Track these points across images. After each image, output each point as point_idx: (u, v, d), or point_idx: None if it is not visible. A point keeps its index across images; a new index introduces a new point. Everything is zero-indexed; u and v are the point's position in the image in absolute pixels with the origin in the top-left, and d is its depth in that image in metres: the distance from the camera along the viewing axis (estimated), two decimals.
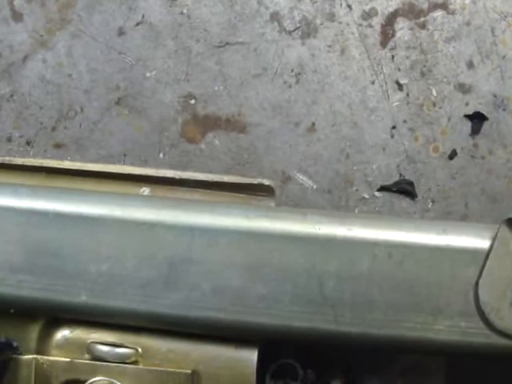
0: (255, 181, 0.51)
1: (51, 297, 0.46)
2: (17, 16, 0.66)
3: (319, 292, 0.45)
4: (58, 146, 0.65)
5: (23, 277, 0.46)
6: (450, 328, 0.44)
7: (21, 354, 0.47)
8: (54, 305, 0.47)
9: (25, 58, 0.65)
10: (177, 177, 0.51)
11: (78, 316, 0.48)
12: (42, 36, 0.65)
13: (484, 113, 0.64)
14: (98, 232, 0.46)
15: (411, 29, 0.64)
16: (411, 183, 0.64)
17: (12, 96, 0.65)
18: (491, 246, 0.44)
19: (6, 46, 0.65)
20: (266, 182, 0.51)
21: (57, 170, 0.52)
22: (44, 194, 0.48)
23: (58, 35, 0.65)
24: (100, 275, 0.46)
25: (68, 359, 0.47)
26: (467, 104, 0.64)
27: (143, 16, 0.65)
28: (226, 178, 0.51)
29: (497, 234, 0.45)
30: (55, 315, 0.48)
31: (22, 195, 0.48)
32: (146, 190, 0.52)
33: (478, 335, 0.44)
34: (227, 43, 0.65)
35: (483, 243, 0.45)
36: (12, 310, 0.47)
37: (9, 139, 0.65)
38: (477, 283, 0.44)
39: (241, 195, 0.51)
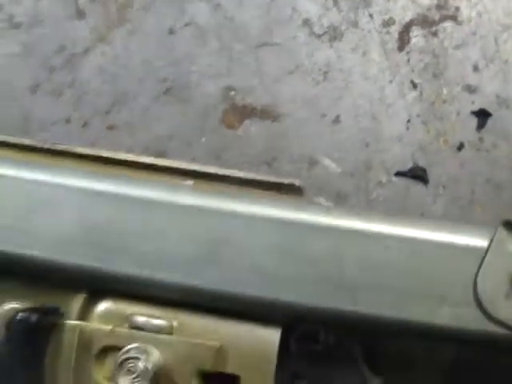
0: (286, 180, 0.54)
1: (99, 267, 0.50)
2: (80, 14, 0.75)
3: (339, 276, 0.50)
4: (111, 127, 0.73)
5: (76, 248, 0.50)
6: (452, 315, 0.49)
7: (65, 320, 0.50)
8: (101, 275, 0.50)
9: (86, 51, 0.74)
10: (219, 173, 0.55)
11: (123, 287, 0.51)
12: (101, 32, 0.74)
13: (488, 110, 0.72)
14: (148, 213, 0.51)
15: (425, 36, 0.74)
16: (424, 170, 0.71)
17: (73, 83, 0.74)
18: (489, 245, 0.49)
19: (70, 40, 0.74)
20: (297, 182, 0.54)
21: (112, 160, 0.55)
22: (101, 177, 0.53)
23: (116, 32, 0.74)
24: (146, 251, 0.50)
25: (109, 327, 0.49)
26: (473, 102, 0.72)
27: (191, 18, 0.75)
28: (261, 177, 0.55)
29: (495, 234, 0.50)
30: (102, 286, 0.51)
31: (82, 177, 0.53)
32: (190, 183, 0.56)
33: (476, 323, 0.48)
34: (264, 43, 0.74)
35: (483, 242, 0.50)
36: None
37: (68, 121, 0.73)
38: (476, 276, 0.49)
39: (272, 193, 0.55)
